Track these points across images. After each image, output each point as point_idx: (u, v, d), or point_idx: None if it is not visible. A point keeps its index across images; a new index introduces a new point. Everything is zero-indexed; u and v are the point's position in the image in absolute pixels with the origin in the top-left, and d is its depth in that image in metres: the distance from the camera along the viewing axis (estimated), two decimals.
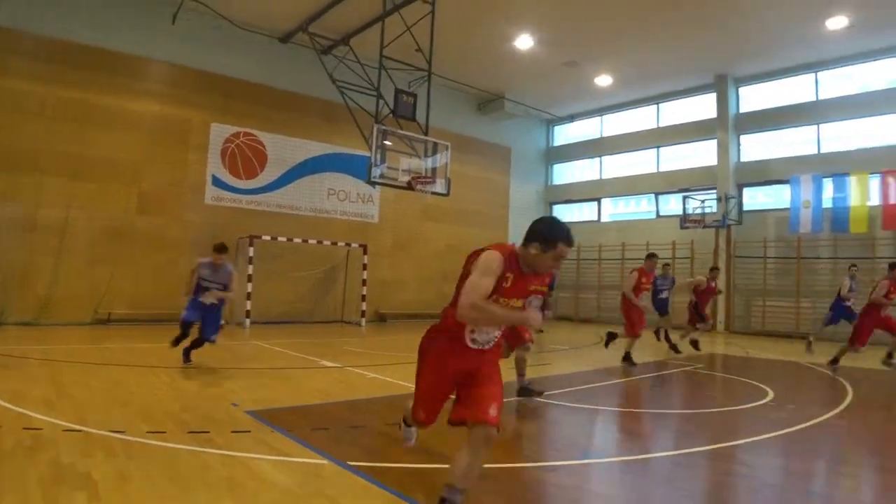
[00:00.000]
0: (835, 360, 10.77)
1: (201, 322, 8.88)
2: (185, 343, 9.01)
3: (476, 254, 3.49)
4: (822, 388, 9.34)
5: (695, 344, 13.57)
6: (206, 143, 16.83)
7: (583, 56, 19.32)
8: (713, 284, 13.85)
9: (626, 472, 5.01)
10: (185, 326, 8.85)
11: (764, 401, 7.93)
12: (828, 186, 18.11)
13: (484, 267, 3.32)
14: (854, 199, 17.54)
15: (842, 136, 19.02)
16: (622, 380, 9.78)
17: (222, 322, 9.16)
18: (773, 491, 4.64)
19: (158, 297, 14.96)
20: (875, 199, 17.27)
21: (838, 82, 19.27)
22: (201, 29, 16.57)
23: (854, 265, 14.27)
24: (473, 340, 3.59)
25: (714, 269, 14.49)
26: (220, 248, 8.84)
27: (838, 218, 17.71)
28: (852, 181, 17.65)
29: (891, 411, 8.07)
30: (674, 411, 7.60)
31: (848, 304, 13.59)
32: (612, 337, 12.56)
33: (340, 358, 10.77)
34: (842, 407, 7.72)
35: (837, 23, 16.27)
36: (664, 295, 14.18)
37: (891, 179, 17.08)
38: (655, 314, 14.16)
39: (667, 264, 14.12)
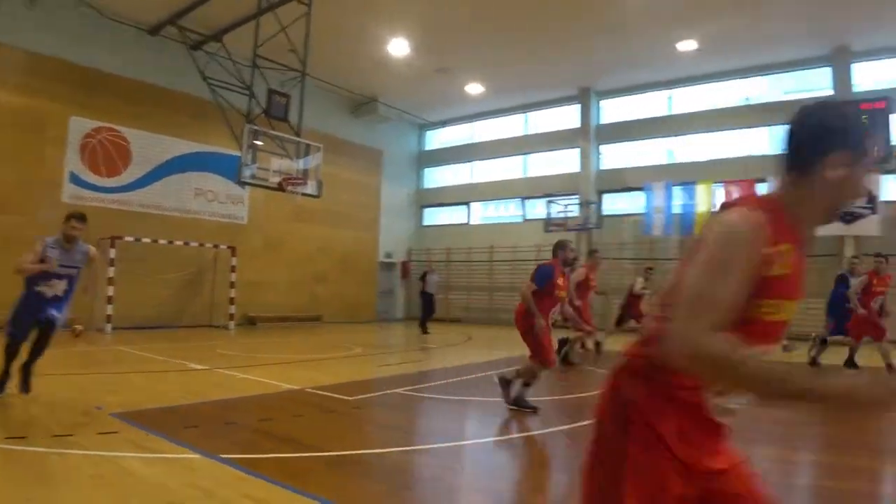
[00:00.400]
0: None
1: (41, 323, 6.70)
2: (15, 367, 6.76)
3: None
4: None
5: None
6: (65, 138, 15.92)
7: (455, 64, 19.88)
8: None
9: (489, 451, 5.40)
10: (14, 346, 6.61)
11: None
12: (678, 193, 19.67)
13: (719, 251, 1.56)
14: (700, 206, 19.23)
15: (691, 148, 20.84)
16: (488, 373, 10.20)
17: (80, 328, 6.77)
18: None
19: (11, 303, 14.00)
20: (718, 206, 18.86)
21: (690, 99, 21.09)
22: (62, 16, 15.65)
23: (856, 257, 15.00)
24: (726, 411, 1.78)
25: (649, 269, 14.25)
26: (80, 217, 6.63)
27: (686, 222, 19.33)
28: (699, 189, 19.29)
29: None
30: (535, 399, 8.10)
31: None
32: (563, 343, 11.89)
33: (209, 361, 10.57)
34: None
35: (687, 45, 17.90)
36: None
37: (732, 188, 18.80)
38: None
39: (576, 259, 13.44)
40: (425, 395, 7.92)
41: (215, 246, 18.43)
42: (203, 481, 4.07)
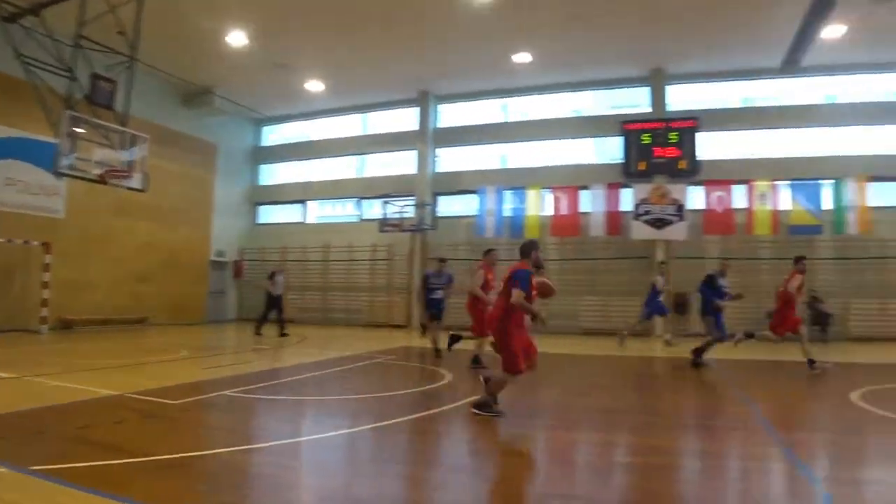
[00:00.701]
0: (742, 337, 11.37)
1: None
2: None
3: None
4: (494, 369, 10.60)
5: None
6: None
7: (295, 60, 19.63)
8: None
9: (320, 448, 5.49)
10: None
11: (441, 382, 9.05)
12: (509, 197, 20.69)
13: None
14: (529, 210, 20.34)
15: (523, 155, 22.10)
16: (316, 374, 10.19)
17: None
18: (453, 448, 5.60)
19: None
20: (545, 210, 20.37)
21: (524, 108, 22.38)
22: None
23: (664, 262, 16.01)
24: None
25: (539, 269, 14.19)
26: None
27: (516, 225, 20.40)
28: (529, 194, 20.38)
29: (542, 386, 9.52)
30: (364, 395, 8.30)
31: (661, 298, 15.03)
32: (455, 339, 12.02)
33: (17, 367, 9.75)
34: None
35: (522, 58, 19.02)
36: (438, 295, 12.77)
37: (559, 194, 20.09)
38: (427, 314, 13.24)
39: (443, 260, 13.36)
40: (256, 395, 7.81)
41: (26, 242, 16.94)
42: (10, 495, 3.83)
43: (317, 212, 25.56)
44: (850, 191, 17.91)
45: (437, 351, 12.34)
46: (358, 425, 6.43)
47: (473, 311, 10.82)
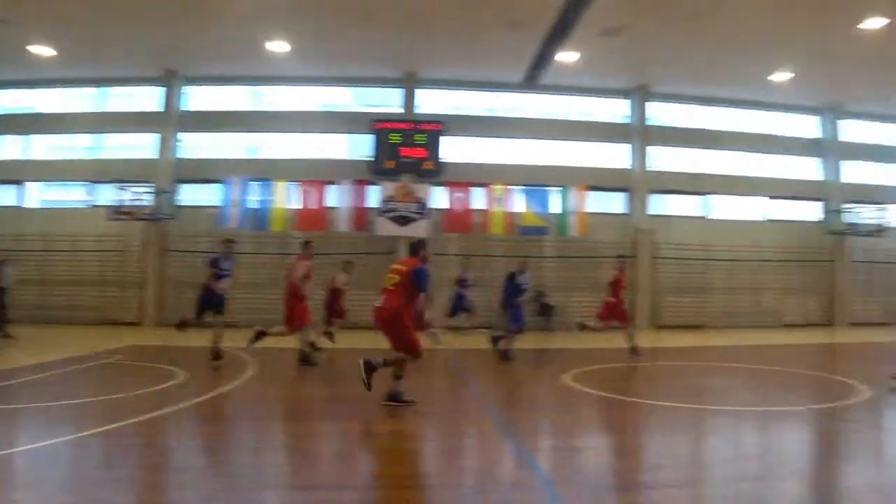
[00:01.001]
0: (633, 349, 12.73)
1: None
2: None
3: None
4: (226, 367, 10.37)
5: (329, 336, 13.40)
6: None
7: (18, 16, 16.83)
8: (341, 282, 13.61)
9: (22, 462, 5.06)
10: None
11: (173, 382, 8.69)
12: (255, 189, 20.21)
13: None
14: (276, 202, 20.04)
15: (272, 146, 22.01)
16: (33, 377, 9.24)
17: None
18: (183, 449, 5.58)
19: None
20: (291, 203, 20.27)
21: (276, 98, 22.27)
22: None
23: (467, 258, 17.06)
24: None
25: (348, 262, 13.93)
26: None
27: (261, 217, 20.01)
28: (277, 186, 20.05)
29: (279, 381, 9.67)
30: (88, 399, 7.78)
31: (465, 293, 16.17)
32: (260, 335, 10.66)
33: None
34: (242, 380, 9.16)
35: (278, 46, 18.52)
36: (223, 284, 11.38)
37: (307, 188, 20.08)
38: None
39: (230, 241, 11.98)
40: None
41: None
42: None
43: (38, 195, 22.78)
44: (573, 197, 20.27)
45: (217, 351, 10.98)
46: (78, 432, 5.93)
47: (291, 304, 10.72)
